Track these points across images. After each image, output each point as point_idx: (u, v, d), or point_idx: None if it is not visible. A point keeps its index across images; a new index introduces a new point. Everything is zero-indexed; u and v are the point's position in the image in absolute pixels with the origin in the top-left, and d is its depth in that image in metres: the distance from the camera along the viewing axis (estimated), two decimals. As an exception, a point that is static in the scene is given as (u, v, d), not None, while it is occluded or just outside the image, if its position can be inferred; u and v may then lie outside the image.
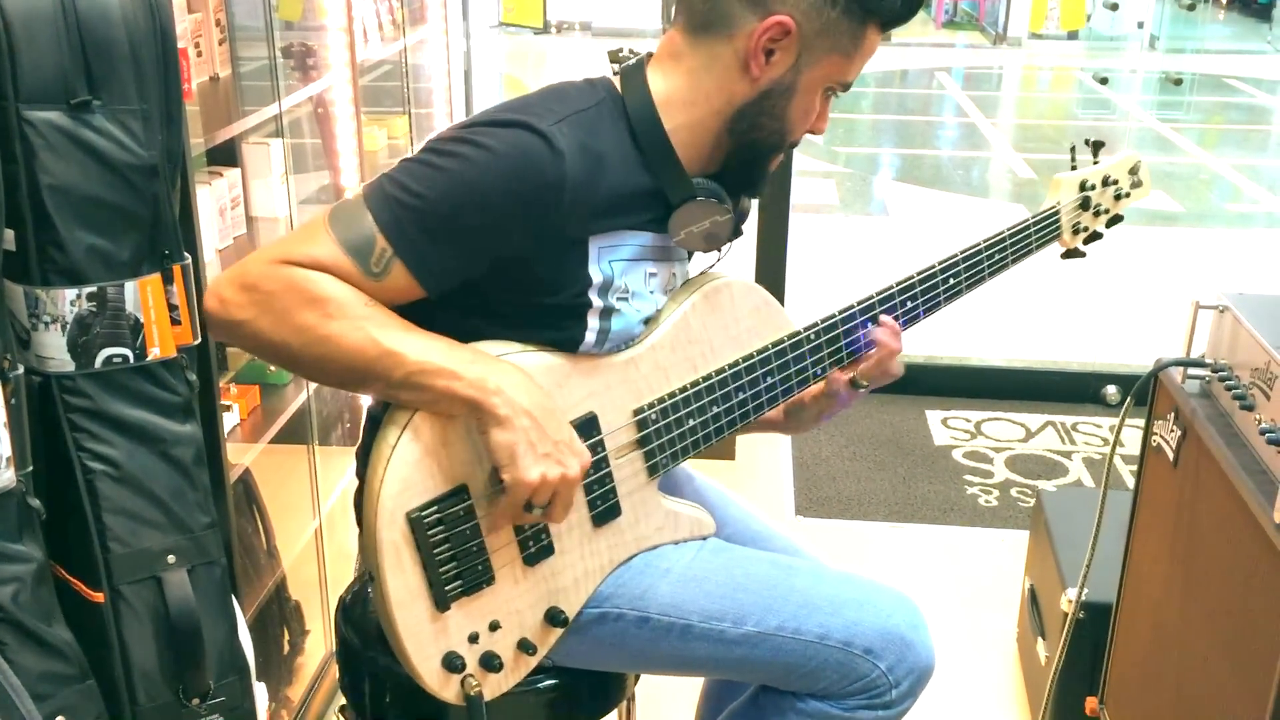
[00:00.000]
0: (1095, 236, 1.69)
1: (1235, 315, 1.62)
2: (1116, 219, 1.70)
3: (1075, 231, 1.66)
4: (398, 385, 1.21)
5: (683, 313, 1.38)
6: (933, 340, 3.79)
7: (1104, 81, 9.64)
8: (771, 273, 3.31)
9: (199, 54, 1.90)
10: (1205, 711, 1.57)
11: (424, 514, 1.24)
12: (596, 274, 1.29)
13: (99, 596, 1.36)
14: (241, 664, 1.48)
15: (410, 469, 1.23)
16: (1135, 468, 1.87)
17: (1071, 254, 1.69)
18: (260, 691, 1.60)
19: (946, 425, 3.54)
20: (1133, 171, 1.69)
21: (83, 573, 1.36)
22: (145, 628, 1.38)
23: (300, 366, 1.24)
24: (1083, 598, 1.92)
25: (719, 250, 1.40)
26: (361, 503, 1.26)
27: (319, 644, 2.22)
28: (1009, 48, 12.69)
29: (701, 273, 1.44)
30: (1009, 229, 1.57)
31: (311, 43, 2.32)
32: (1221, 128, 9.18)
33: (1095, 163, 1.67)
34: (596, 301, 1.30)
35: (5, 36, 1.20)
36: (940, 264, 1.51)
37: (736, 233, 1.40)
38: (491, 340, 1.28)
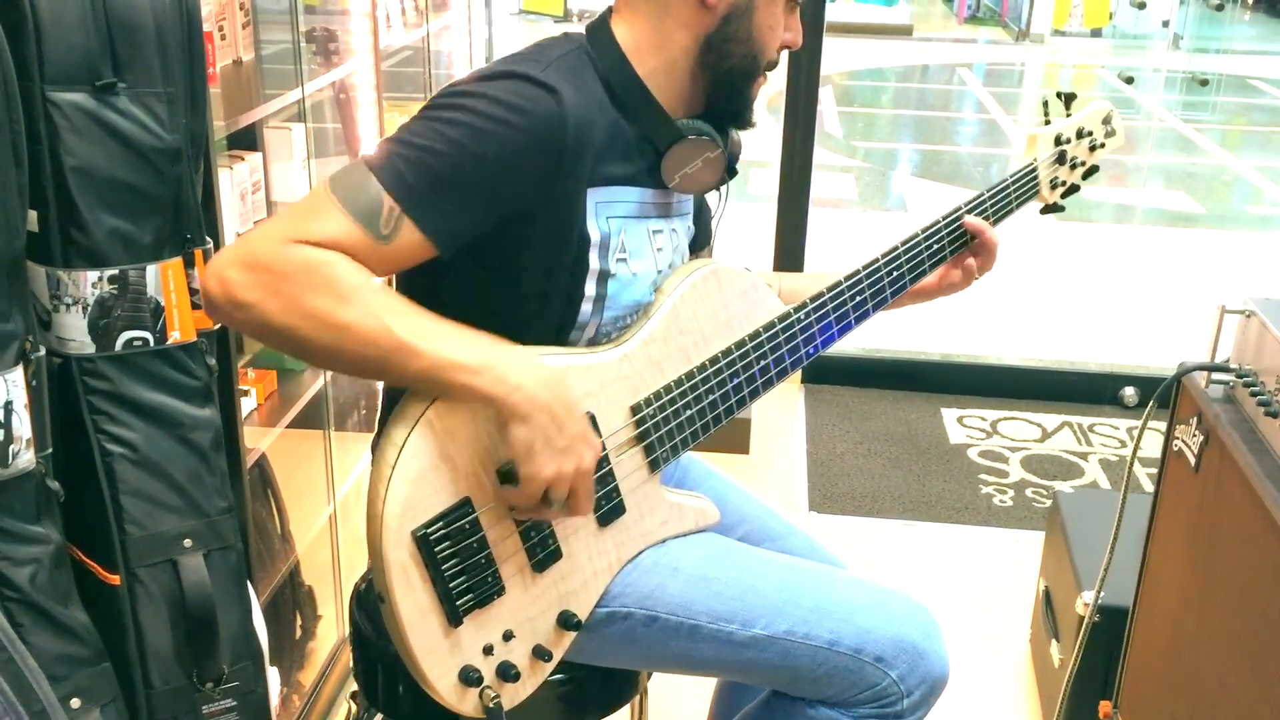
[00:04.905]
0: (1073, 190, 1.69)
1: (1262, 320, 1.61)
2: (1093, 170, 1.69)
3: (1053, 186, 1.66)
4: (413, 378, 1.18)
5: (672, 304, 1.37)
6: (949, 338, 3.77)
7: (1129, 81, 9.58)
8: (790, 268, 3.30)
9: (223, 37, 1.90)
10: (1223, 719, 1.55)
11: (430, 531, 1.22)
12: (594, 231, 1.29)
13: (115, 579, 1.36)
14: (255, 649, 1.48)
15: (411, 487, 1.21)
16: (1153, 471, 1.86)
17: (1050, 209, 1.68)
18: (273, 676, 1.60)
19: (962, 424, 3.52)
20: (1105, 121, 1.68)
21: (100, 555, 1.36)
22: (161, 611, 1.38)
23: (309, 353, 1.17)
24: (1099, 601, 1.91)
25: (718, 191, 1.40)
26: (366, 525, 1.24)
27: (331, 629, 2.23)
28: (1031, 44, 12.62)
29: (685, 262, 1.44)
30: (988, 190, 1.57)
31: (334, 28, 2.32)
32: (1244, 129, 9.11)
33: (1068, 115, 1.66)
34: (595, 264, 1.30)
35: (32, 18, 1.20)
36: (924, 230, 1.52)
37: (731, 171, 1.40)
38: None
